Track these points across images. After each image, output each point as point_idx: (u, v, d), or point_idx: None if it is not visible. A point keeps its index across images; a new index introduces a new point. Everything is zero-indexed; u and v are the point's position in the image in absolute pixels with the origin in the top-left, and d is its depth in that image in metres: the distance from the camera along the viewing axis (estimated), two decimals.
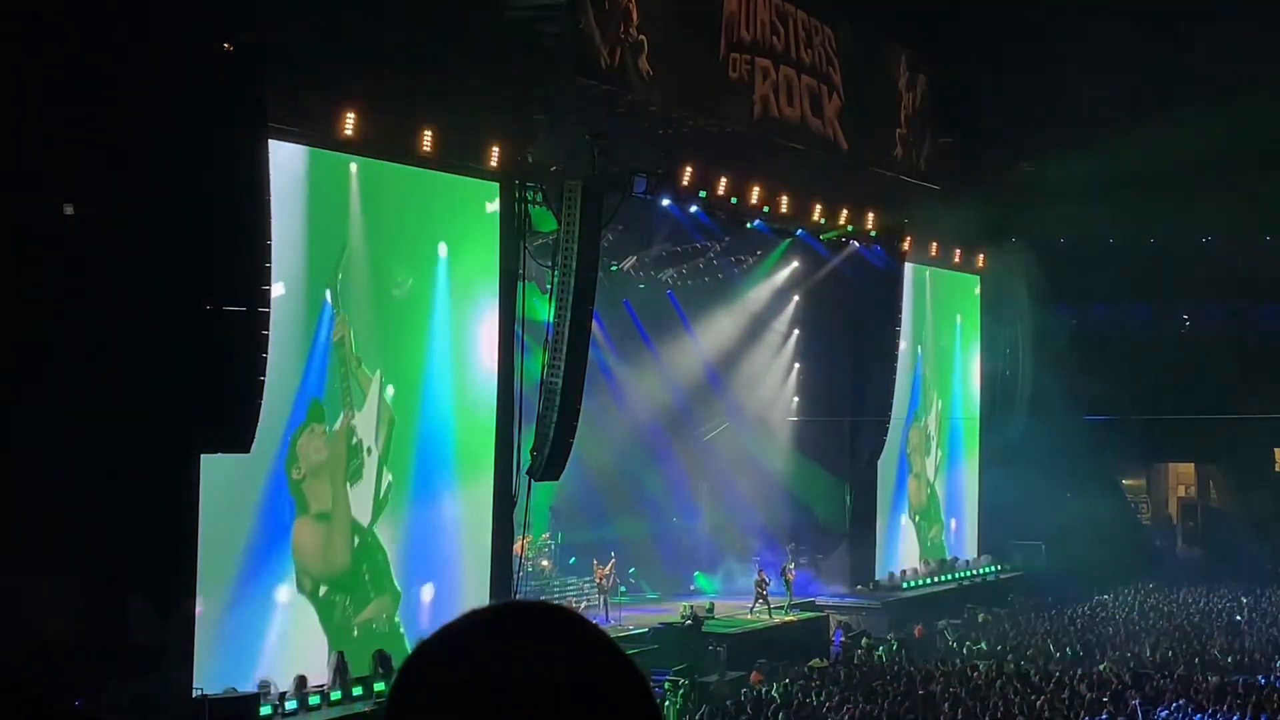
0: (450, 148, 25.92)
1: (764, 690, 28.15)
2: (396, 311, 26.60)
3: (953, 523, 45.90)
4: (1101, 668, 30.67)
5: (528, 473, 27.75)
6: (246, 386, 20.99)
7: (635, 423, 38.89)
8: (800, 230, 37.37)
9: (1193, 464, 56.72)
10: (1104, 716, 25.14)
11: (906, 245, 40.93)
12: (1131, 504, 56.21)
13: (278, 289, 22.03)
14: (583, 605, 33.50)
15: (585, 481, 36.42)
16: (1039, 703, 25.88)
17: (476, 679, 1.91)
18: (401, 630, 26.20)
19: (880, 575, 41.05)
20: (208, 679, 21.76)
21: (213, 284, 20.84)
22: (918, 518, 44.03)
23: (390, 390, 26.17)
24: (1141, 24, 43.96)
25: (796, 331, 41.80)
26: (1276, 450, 53.71)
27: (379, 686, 23.90)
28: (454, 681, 1.93)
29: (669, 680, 28.58)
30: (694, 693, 27.50)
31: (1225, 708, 25.78)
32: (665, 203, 32.14)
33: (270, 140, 21.39)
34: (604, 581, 33.87)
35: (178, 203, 20.55)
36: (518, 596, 29.47)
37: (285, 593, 24.17)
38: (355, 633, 25.40)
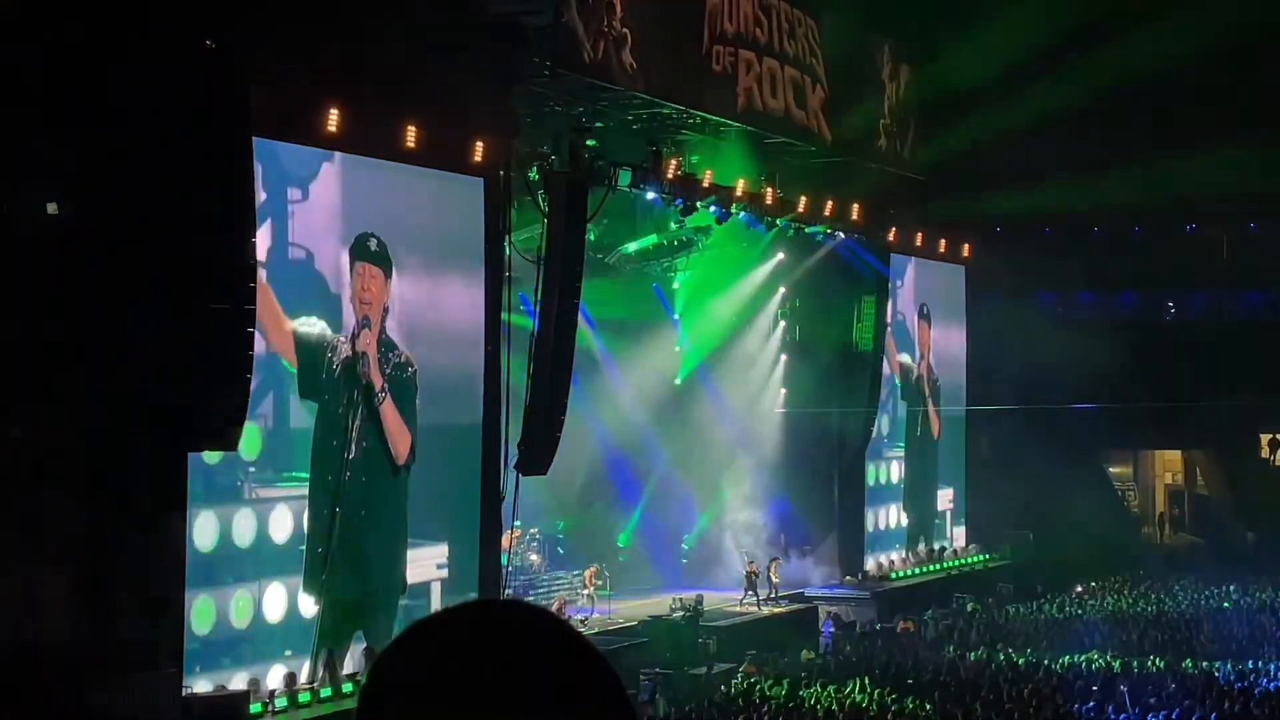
0: (434, 143, 25.89)
1: (754, 682, 28.16)
2: None
3: (941, 512, 45.91)
4: (1091, 655, 30.74)
5: (515, 467, 27.72)
6: (233, 383, 20.91)
7: (622, 416, 38.85)
8: (784, 222, 37.36)
9: (1179, 451, 56.83)
10: (1092, 704, 25.18)
11: (891, 236, 40.97)
12: (1119, 491, 56.35)
13: None
14: (571, 599, 33.51)
15: (573, 474, 36.37)
16: (1027, 691, 25.93)
17: (447, 679, 1.91)
18: (393, 629, 26.15)
19: (869, 566, 41.09)
20: (197, 677, 21.75)
21: (198, 281, 20.75)
22: (906, 508, 44.04)
23: None
24: None
25: (783, 323, 41.80)
26: (1263, 436, 53.83)
27: None
28: (425, 681, 1.93)
29: (660, 674, 28.57)
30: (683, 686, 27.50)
31: (1213, 694, 25.83)
32: (650, 196, 32.12)
33: (254, 137, 21.32)
34: (592, 581, 33.84)
35: (162, 200, 20.46)
36: (507, 592, 29.50)
37: (276, 590, 24.12)
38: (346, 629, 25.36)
